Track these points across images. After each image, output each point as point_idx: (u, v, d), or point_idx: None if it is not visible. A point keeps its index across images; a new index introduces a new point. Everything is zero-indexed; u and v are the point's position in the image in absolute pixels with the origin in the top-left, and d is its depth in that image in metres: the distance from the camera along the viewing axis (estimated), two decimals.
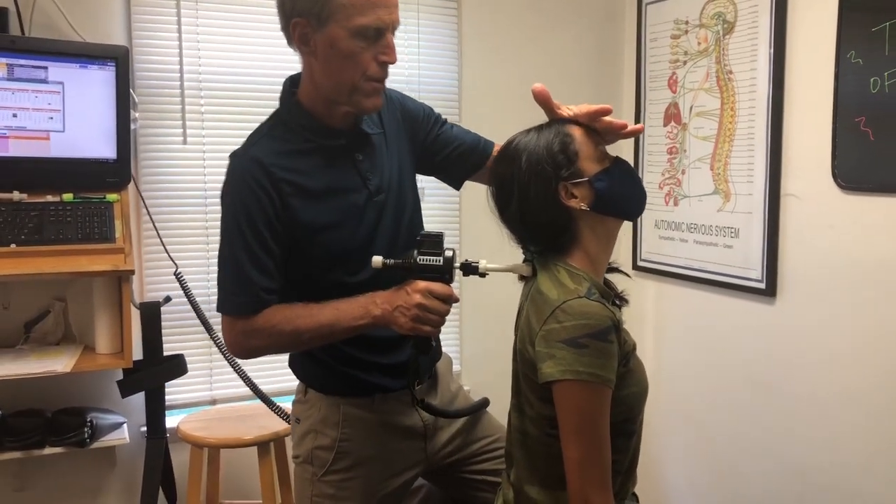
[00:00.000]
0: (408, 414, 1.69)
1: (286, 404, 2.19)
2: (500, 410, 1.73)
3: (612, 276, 1.52)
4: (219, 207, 1.57)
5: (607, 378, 1.26)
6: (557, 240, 1.39)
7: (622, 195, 1.40)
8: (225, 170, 1.56)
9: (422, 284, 1.45)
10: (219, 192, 1.57)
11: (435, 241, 1.48)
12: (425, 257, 1.47)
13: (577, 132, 1.39)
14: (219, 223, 1.56)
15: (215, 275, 1.57)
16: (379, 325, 1.48)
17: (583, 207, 1.35)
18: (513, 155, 1.39)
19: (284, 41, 1.55)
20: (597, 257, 1.40)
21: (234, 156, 1.55)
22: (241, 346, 1.55)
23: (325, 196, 1.54)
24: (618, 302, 1.47)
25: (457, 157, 1.76)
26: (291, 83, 1.61)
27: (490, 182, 1.47)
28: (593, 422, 1.27)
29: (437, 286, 1.46)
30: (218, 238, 1.56)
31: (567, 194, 1.35)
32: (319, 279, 1.58)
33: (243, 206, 1.49)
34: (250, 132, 1.60)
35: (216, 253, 1.57)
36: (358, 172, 1.58)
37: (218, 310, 1.55)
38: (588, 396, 1.26)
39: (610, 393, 1.28)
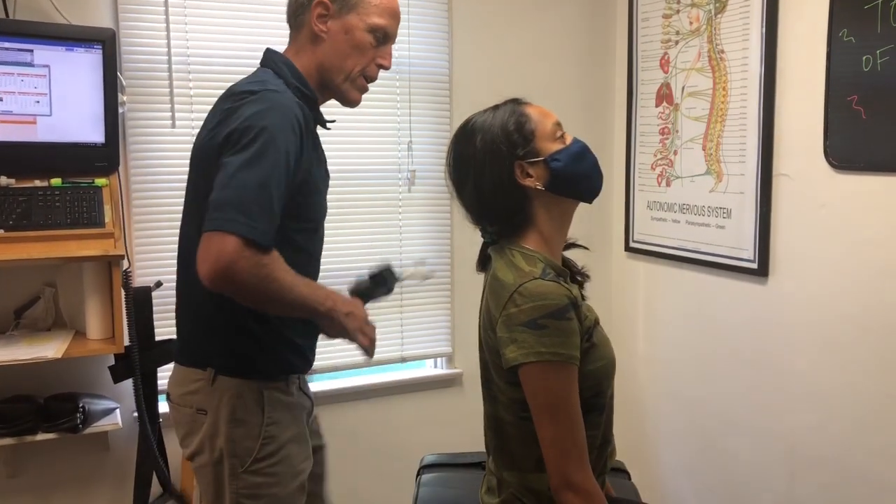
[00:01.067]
0: (301, 396, 1.72)
1: None
2: None
3: (572, 254, 1.53)
4: None
5: (570, 355, 1.28)
6: (512, 219, 1.41)
7: (578, 175, 1.40)
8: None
9: (363, 311, 1.61)
10: None
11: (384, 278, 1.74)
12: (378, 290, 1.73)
13: (533, 111, 1.40)
14: None
15: None
16: (323, 318, 1.53)
17: (538, 187, 1.36)
18: (469, 134, 1.40)
19: (273, 23, 1.58)
20: (551, 238, 1.41)
21: (274, 91, 1.51)
22: (234, 270, 1.35)
23: (320, 162, 1.67)
24: (579, 278, 1.48)
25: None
26: (276, 52, 1.68)
27: (447, 161, 1.48)
28: (563, 400, 1.28)
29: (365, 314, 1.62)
30: None
31: (522, 173, 1.36)
32: (295, 241, 1.60)
33: (286, 140, 1.45)
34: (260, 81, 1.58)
35: None
36: (323, 153, 1.71)
37: (216, 225, 1.36)
38: (554, 376, 1.27)
39: (576, 370, 1.29)
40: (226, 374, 1.57)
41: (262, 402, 1.58)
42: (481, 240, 1.53)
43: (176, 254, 1.68)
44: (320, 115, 1.70)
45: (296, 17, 1.67)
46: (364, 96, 1.74)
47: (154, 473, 2.35)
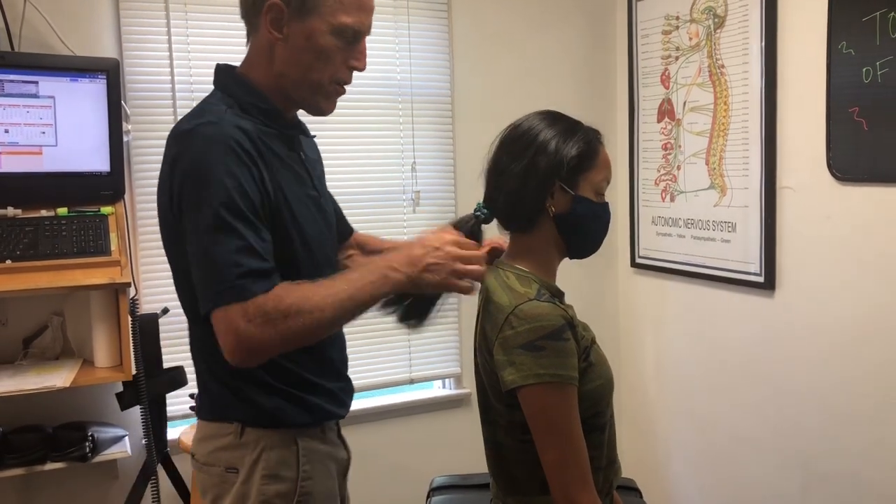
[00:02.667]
0: (339, 445, 1.57)
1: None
2: None
3: None
4: None
5: (569, 376, 1.27)
6: (518, 224, 1.39)
7: (584, 233, 1.40)
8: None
9: (449, 236, 1.31)
10: None
11: None
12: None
13: (603, 154, 1.39)
14: None
15: None
16: (399, 290, 1.29)
17: (551, 212, 1.35)
18: (538, 132, 1.36)
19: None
20: (548, 259, 1.41)
21: (206, 125, 1.32)
22: (251, 341, 1.22)
23: (296, 181, 1.44)
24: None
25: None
26: (228, 67, 1.49)
27: (499, 149, 1.41)
28: (564, 422, 1.27)
29: (463, 239, 1.33)
30: None
31: (550, 192, 1.35)
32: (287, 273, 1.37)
33: (232, 176, 1.27)
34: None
35: None
36: (305, 169, 1.49)
37: (209, 307, 1.25)
38: (553, 397, 1.27)
39: (575, 391, 1.28)
40: (254, 426, 1.40)
41: (298, 453, 1.42)
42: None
43: None
44: (293, 126, 1.50)
45: (248, 17, 1.43)
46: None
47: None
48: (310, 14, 1.36)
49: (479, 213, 1.42)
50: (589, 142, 1.37)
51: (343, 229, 1.74)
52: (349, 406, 1.57)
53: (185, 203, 1.30)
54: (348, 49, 1.41)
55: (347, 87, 1.48)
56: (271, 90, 1.43)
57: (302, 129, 1.55)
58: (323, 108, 1.47)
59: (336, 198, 1.69)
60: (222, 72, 1.48)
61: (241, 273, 1.24)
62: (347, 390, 1.57)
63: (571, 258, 1.44)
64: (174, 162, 1.33)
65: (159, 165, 2.42)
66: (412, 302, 1.39)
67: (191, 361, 2.46)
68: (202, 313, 1.26)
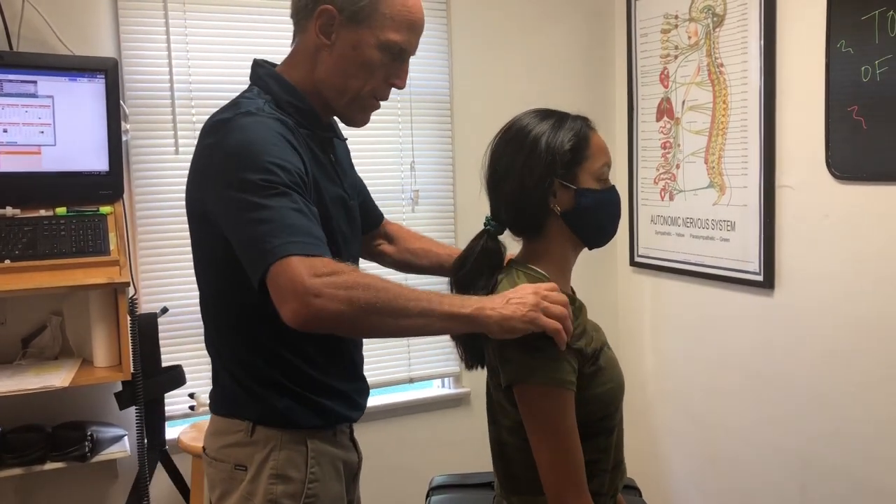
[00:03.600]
0: (350, 448, 1.55)
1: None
2: None
3: None
4: None
5: (562, 380, 1.25)
6: (527, 230, 1.38)
7: (596, 222, 1.38)
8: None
9: (527, 285, 1.26)
10: None
11: None
12: None
13: (595, 140, 1.36)
14: None
15: None
16: (480, 321, 1.21)
17: (557, 211, 1.34)
18: (525, 134, 1.34)
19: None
20: (563, 262, 1.39)
21: (246, 114, 1.32)
22: (319, 299, 1.13)
23: (329, 181, 1.44)
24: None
25: (363, 211, 1.66)
26: (266, 64, 1.48)
27: (492, 158, 1.39)
28: (556, 423, 1.25)
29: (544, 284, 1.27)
30: None
31: (551, 192, 1.34)
32: None
33: (280, 155, 1.26)
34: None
35: None
36: (335, 172, 1.49)
37: (270, 260, 1.16)
38: (548, 399, 1.25)
39: (571, 394, 1.26)
40: (265, 424, 1.40)
41: (307, 455, 1.41)
42: None
43: (183, 281, 1.63)
44: (328, 129, 1.49)
45: (298, 19, 1.44)
46: None
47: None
48: (360, 25, 1.37)
49: (488, 226, 1.41)
50: (578, 132, 1.34)
51: (373, 216, 1.74)
52: (363, 408, 1.55)
53: (230, 184, 1.24)
54: (391, 66, 1.42)
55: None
56: (309, 93, 1.43)
57: (336, 131, 1.55)
58: (357, 119, 1.48)
59: None
60: (260, 67, 1.47)
61: (304, 231, 1.19)
62: (362, 391, 1.56)
63: (591, 249, 1.42)
64: (214, 147, 1.31)
65: (158, 165, 2.47)
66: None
67: (190, 361, 2.48)
68: (256, 279, 1.20)
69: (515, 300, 1.22)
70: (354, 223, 1.55)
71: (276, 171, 1.24)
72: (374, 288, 1.17)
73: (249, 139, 1.27)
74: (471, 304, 1.22)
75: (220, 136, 1.31)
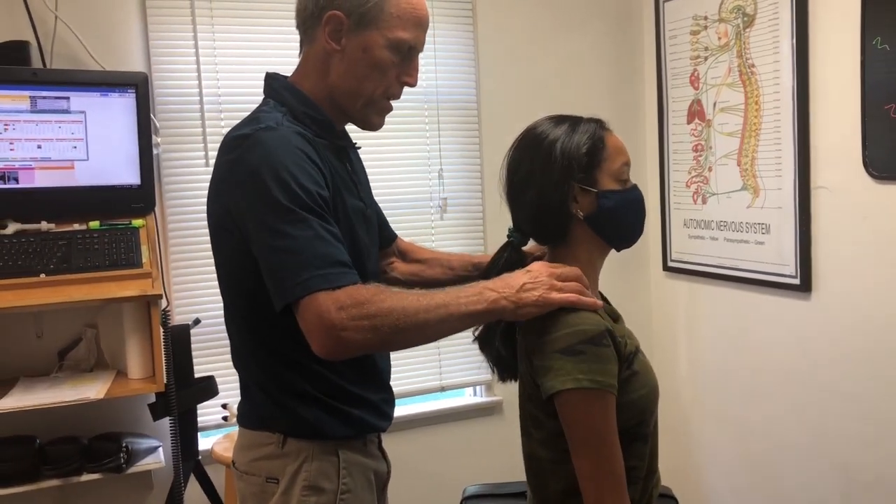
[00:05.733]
0: (380, 458, 1.55)
1: None
2: None
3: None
4: None
5: (608, 383, 1.24)
6: (551, 238, 1.37)
7: (621, 223, 1.37)
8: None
9: (539, 264, 1.30)
10: None
11: None
12: None
13: (611, 141, 1.35)
14: None
15: None
16: (498, 311, 1.26)
17: (579, 215, 1.33)
18: (540, 141, 1.34)
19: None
20: (589, 267, 1.37)
21: (266, 129, 1.33)
22: (346, 332, 1.18)
23: (348, 192, 1.44)
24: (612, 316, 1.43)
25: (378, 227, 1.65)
26: (279, 77, 1.49)
27: (509, 169, 1.41)
28: (602, 430, 1.24)
29: (557, 264, 1.31)
30: None
31: (571, 197, 1.33)
32: None
33: (302, 173, 1.27)
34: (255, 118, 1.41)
35: None
36: (352, 181, 1.49)
37: (297, 294, 1.20)
38: (592, 404, 1.24)
39: (614, 399, 1.25)
40: (296, 436, 1.40)
41: (338, 465, 1.40)
42: None
43: (214, 293, 1.63)
44: (342, 139, 1.51)
45: (305, 28, 1.44)
46: (393, 125, 1.57)
47: None
48: (368, 27, 1.38)
49: (511, 237, 1.41)
50: (593, 134, 1.33)
51: (386, 235, 1.74)
52: (391, 418, 1.55)
53: (254, 202, 1.27)
54: (402, 64, 1.43)
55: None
56: (323, 101, 1.44)
57: (349, 140, 1.56)
58: (374, 122, 1.49)
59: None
60: (274, 80, 1.48)
61: (329, 262, 1.22)
62: (390, 401, 1.55)
63: (619, 251, 1.41)
64: (234, 164, 1.32)
65: (189, 178, 2.49)
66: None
67: (223, 371, 2.49)
68: (279, 305, 1.23)
69: (529, 284, 1.26)
70: (372, 231, 1.55)
71: (297, 192, 1.25)
72: (395, 311, 1.21)
73: (271, 156, 1.28)
74: (486, 297, 1.26)
75: (241, 151, 1.32)
